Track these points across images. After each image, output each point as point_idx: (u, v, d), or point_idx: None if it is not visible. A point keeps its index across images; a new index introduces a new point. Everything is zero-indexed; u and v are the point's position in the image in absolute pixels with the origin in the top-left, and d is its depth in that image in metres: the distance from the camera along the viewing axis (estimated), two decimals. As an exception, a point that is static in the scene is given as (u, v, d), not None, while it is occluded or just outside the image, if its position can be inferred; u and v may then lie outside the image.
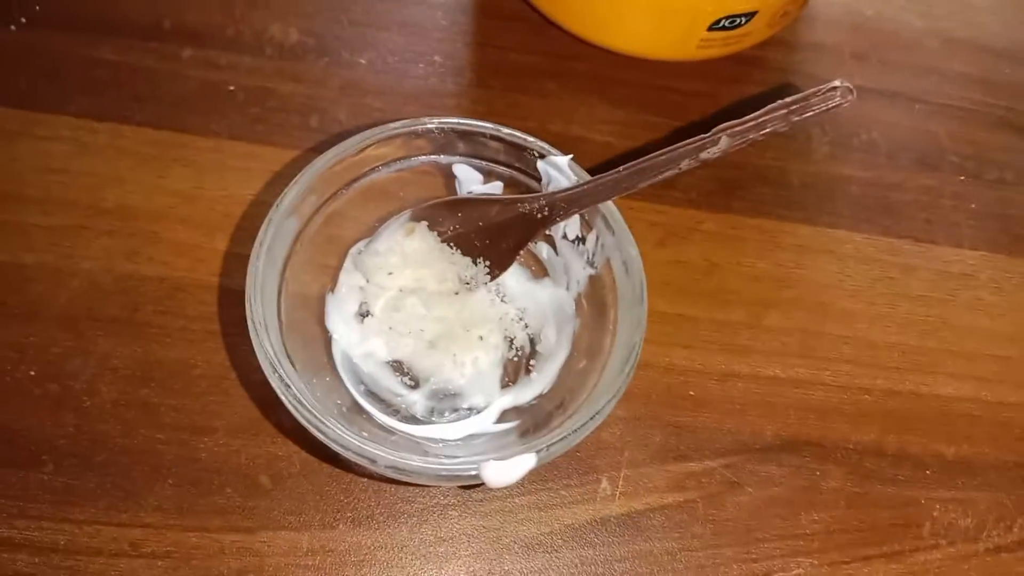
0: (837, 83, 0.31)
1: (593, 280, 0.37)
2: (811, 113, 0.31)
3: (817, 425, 0.40)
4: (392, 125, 0.35)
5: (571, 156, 0.36)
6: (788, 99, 0.31)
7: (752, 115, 0.29)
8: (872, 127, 0.47)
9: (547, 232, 0.38)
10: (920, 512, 0.39)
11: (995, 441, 0.41)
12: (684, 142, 0.31)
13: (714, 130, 0.30)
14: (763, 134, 0.29)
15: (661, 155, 0.31)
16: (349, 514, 0.36)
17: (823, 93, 0.31)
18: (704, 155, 0.30)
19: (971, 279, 0.44)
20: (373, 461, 0.30)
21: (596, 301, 0.37)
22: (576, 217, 0.37)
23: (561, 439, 0.31)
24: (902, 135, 0.47)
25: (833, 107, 0.31)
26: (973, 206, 0.46)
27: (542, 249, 0.39)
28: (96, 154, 0.41)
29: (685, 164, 0.31)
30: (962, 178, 0.46)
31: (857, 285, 0.43)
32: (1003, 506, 0.40)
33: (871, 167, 0.46)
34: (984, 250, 0.45)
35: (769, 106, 0.29)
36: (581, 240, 0.37)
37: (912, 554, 0.38)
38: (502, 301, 0.39)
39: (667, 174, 0.31)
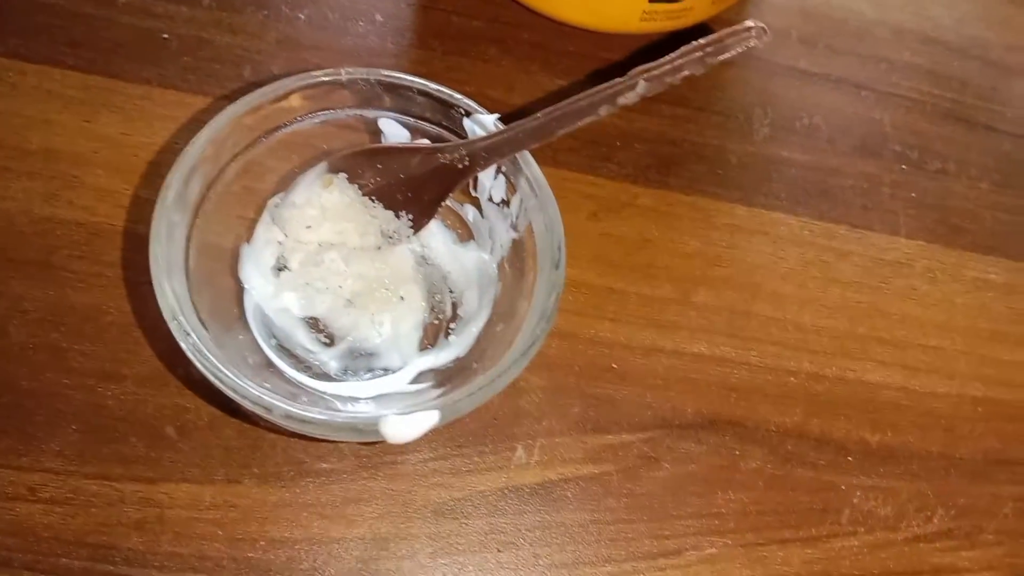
0: (751, 23, 0.30)
1: (516, 244, 0.36)
2: (727, 55, 0.30)
3: (740, 405, 0.39)
4: (315, 73, 0.35)
5: (498, 116, 0.35)
6: (702, 40, 0.29)
7: (667, 57, 0.28)
8: (815, 111, 0.46)
9: (473, 194, 0.38)
10: (840, 498, 0.39)
11: (920, 431, 0.41)
12: (601, 87, 0.30)
13: (630, 74, 0.29)
14: (680, 77, 0.29)
15: (579, 100, 0.30)
16: (255, 470, 0.35)
17: (738, 34, 0.30)
18: (621, 100, 0.29)
19: (906, 267, 0.44)
20: (269, 410, 0.30)
21: (517, 265, 0.36)
22: (502, 179, 0.36)
23: (466, 396, 0.31)
24: (845, 121, 0.46)
25: (748, 48, 0.30)
26: (913, 195, 0.45)
27: (468, 212, 0.38)
28: (24, 95, 0.40)
29: (603, 110, 0.30)
30: (903, 167, 0.46)
31: (789, 267, 0.43)
32: (924, 496, 0.39)
33: (811, 151, 0.45)
34: (921, 239, 0.44)
35: (683, 48, 0.28)
36: (506, 203, 0.36)
37: (829, 540, 0.38)
38: (427, 263, 0.38)
39: (586, 120, 0.31)
